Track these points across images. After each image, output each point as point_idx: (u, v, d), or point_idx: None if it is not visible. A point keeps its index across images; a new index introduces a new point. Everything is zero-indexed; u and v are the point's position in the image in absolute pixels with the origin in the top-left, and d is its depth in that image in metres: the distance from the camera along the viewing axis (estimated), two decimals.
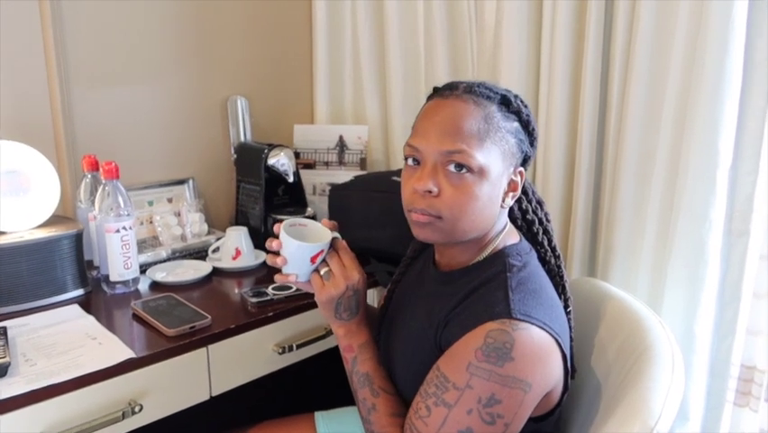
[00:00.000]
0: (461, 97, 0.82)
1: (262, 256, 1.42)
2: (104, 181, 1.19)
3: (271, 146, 1.55)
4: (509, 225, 0.91)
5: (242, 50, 1.66)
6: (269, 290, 1.21)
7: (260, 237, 1.45)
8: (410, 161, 0.85)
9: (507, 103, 0.84)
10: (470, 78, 1.52)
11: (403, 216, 0.87)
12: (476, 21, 1.48)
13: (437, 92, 0.87)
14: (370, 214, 1.37)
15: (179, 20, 1.53)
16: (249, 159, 1.59)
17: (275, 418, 1.22)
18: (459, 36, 1.54)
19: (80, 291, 1.23)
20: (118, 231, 1.19)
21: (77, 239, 1.22)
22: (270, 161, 1.53)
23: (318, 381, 1.50)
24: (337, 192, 1.48)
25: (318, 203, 1.71)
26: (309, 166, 1.74)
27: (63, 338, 1.02)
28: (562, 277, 0.93)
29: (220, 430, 1.20)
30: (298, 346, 1.17)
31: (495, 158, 0.81)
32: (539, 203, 0.96)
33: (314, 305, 1.20)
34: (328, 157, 1.74)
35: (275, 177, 1.55)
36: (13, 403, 0.85)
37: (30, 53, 1.30)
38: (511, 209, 0.93)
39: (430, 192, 0.81)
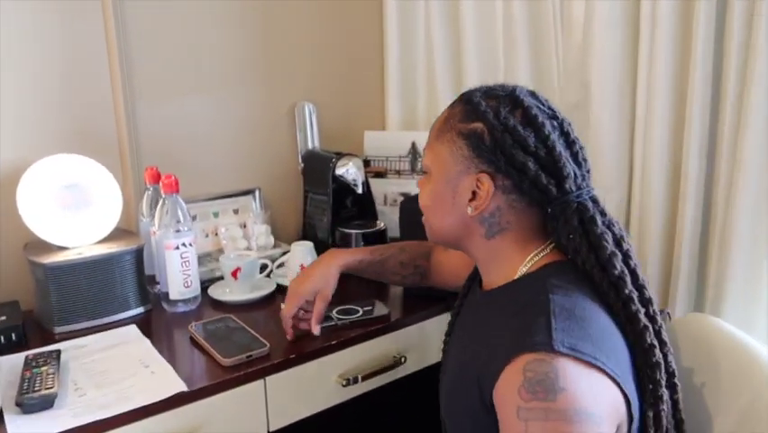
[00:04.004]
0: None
1: None
2: (163, 195, 1.14)
3: (340, 155, 1.46)
4: (551, 245, 0.79)
5: (309, 55, 1.58)
6: (334, 313, 1.12)
7: None
8: None
9: (470, 102, 0.78)
10: (555, 81, 1.38)
11: None
12: (561, 18, 1.34)
13: None
14: None
15: (244, 26, 1.46)
16: (316, 168, 1.51)
17: None
18: (542, 35, 1.39)
19: (141, 309, 1.18)
20: (177, 248, 1.14)
21: (138, 255, 1.17)
22: (338, 171, 1.44)
23: (390, 410, 1.39)
24: (409, 204, 1.36)
25: (389, 213, 1.60)
26: (380, 175, 1.64)
27: (116, 364, 0.97)
28: (634, 315, 0.73)
29: None
30: (364, 378, 1.07)
31: (442, 159, 0.80)
32: (609, 225, 0.77)
33: (382, 331, 1.11)
34: (400, 165, 1.64)
35: (343, 187, 1.47)
36: None
37: (95, 65, 1.27)
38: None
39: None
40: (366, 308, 1.14)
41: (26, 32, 1.18)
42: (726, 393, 0.81)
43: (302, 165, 1.56)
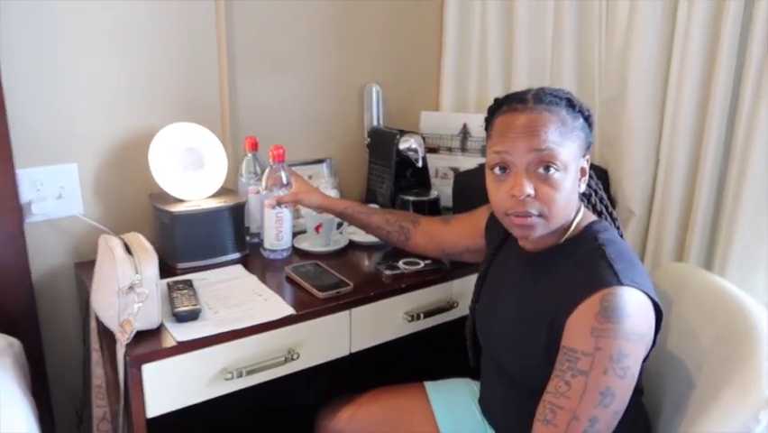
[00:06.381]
0: (535, 109, 0.93)
1: None
2: (271, 163, 1.37)
3: (402, 132, 1.69)
4: (582, 205, 1.03)
5: (378, 41, 1.80)
6: (401, 264, 1.36)
7: None
8: (497, 170, 0.96)
9: (571, 105, 0.96)
10: (596, 76, 1.59)
11: None
12: (606, 20, 1.54)
13: (507, 105, 0.97)
14: None
15: (325, 15, 1.69)
16: (381, 143, 1.74)
17: (384, 385, 1.34)
18: (587, 34, 1.59)
19: (238, 255, 1.43)
20: (274, 207, 1.38)
21: (241, 210, 1.43)
22: (402, 146, 1.67)
23: (426, 353, 1.64)
24: (462, 178, 1.60)
25: (439, 185, 1.83)
26: (433, 150, 1.87)
27: (236, 292, 1.23)
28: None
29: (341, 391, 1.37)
30: (425, 315, 1.32)
31: (573, 153, 0.94)
32: (591, 177, 1.05)
33: (439, 280, 1.35)
34: (451, 143, 1.86)
35: (404, 160, 1.69)
36: (204, 342, 1.06)
37: (205, 47, 1.51)
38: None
39: (529, 195, 0.93)
40: (426, 261, 1.39)
41: (151, 20, 1.43)
42: (701, 322, 1.07)
43: (368, 139, 1.80)
